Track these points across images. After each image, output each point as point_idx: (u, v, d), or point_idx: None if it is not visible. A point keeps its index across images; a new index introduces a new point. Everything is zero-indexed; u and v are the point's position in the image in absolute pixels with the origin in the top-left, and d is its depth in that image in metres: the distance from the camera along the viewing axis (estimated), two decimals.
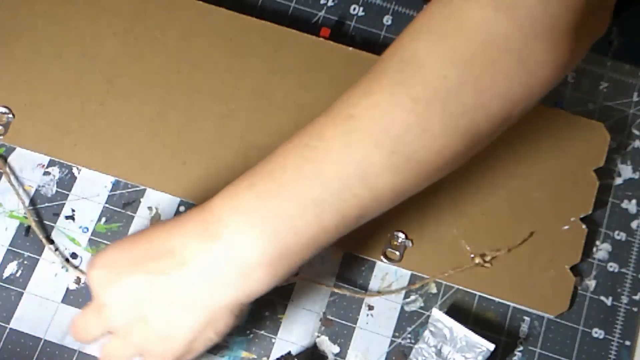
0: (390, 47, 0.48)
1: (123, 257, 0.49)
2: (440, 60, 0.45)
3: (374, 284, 0.59)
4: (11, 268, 0.58)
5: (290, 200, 0.46)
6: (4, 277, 0.58)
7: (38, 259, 0.58)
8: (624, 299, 0.59)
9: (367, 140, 0.46)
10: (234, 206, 0.47)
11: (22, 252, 0.59)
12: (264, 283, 0.47)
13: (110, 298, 0.49)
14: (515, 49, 0.45)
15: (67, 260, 0.58)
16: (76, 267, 0.58)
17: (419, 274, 0.58)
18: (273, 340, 0.57)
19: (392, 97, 0.45)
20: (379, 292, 0.58)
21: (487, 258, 0.58)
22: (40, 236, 0.58)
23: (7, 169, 0.60)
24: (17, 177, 0.60)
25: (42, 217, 0.59)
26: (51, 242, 0.59)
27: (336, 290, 0.58)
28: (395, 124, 0.45)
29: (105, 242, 0.59)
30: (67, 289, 0.58)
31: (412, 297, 0.59)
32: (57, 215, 0.59)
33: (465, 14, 0.45)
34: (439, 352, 0.55)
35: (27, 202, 0.59)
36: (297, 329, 0.58)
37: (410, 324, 0.58)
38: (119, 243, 0.50)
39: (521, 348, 0.58)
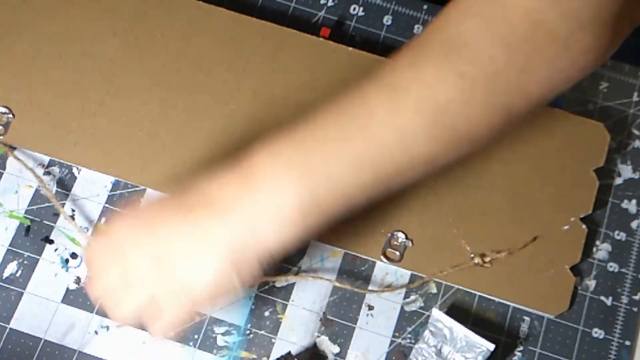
0: (433, 24, 0.49)
1: (157, 208, 0.50)
2: (487, 42, 0.47)
3: (374, 284, 0.59)
4: (11, 268, 0.58)
5: (329, 154, 0.47)
6: (4, 277, 0.58)
7: (38, 259, 0.58)
8: (624, 299, 0.59)
9: (411, 109, 0.47)
10: (272, 154, 0.48)
11: (22, 252, 0.59)
12: (294, 232, 0.48)
13: (137, 242, 0.49)
14: (560, 38, 0.46)
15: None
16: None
17: (419, 274, 0.58)
18: (273, 340, 0.57)
19: (438, 72, 0.47)
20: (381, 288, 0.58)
21: (487, 259, 0.58)
22: (58, 206, 0.58)
23: (15, 153, 0.60)
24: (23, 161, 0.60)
25: (42, 217, 0.59)
26: (51, 242, 0.59)
27: (337, 284, 0.58)
28: (440, 97, 0.47)
29: None
30: (67, 289, 0.58)
31: (412, 297, 0.59)
32: (57, 215, 0.59)
33: (509, 1, 0.46)
34: (439, 352, 0.55)
35: (27, 202, 0.60)
36: (297, 329, 0.58)
37: (410, 324, 0.58)
38: (150, 200, 0.50)
39: (521, 348, 0.58)
